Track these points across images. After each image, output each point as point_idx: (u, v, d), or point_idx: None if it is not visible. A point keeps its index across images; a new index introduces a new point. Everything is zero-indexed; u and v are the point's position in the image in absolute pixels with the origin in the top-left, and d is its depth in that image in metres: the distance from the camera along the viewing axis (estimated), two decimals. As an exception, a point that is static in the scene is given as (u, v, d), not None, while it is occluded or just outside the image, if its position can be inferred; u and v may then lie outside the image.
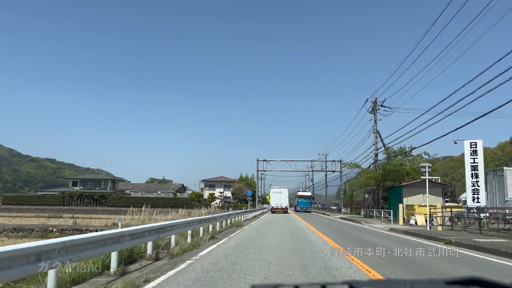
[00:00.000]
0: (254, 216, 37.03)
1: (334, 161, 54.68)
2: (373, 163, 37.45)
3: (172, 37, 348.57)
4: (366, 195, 38.88)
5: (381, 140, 37.12)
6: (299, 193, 61.93)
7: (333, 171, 54.75)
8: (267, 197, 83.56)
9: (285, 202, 49.88)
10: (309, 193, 61.65)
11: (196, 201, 70.19)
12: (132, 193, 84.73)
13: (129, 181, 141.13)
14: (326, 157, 56.87)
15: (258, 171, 55.82)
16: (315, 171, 57.11)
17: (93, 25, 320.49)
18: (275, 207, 49.34)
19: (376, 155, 36.68)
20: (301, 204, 57.81)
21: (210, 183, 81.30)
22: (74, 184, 78.08)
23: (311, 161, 55.92)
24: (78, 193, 72.28)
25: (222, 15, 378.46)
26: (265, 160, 55.22)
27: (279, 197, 49.87)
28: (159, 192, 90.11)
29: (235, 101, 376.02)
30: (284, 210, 48.74)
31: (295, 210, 61.15)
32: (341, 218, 37.34)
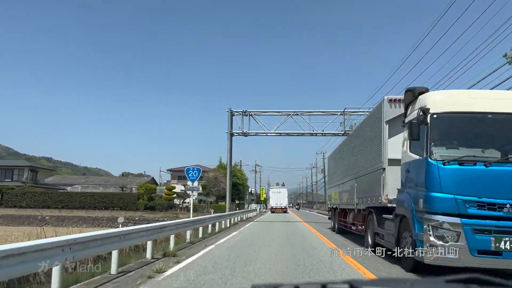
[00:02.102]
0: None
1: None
2: None
3: (172, 37, 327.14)
4: None
5: None
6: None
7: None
8: (261, 193, 60.23)
9: (284, 202, 50.52)
10: None
11: (145, 199, 42.51)
12: (69, 188, 58.09)
13: (94, 173, 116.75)
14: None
15: (233, 134, 26.70)
16: (349, 132, 25.46)
17: (93, 25, 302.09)
18: (274, 207, 50.15)
19: None
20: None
21: (180, 174, 53.49)
22: (-25, 173, 51.77)
23: (344, 113, 25.79)
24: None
25: (222, 15, 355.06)
26: (245, 113, 26.13)
27: (278, 197, 50.03)
28: (117, 186, 64.28)
29: (235, 101, 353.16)
30: (284, 210, 49.51)
31: (336, 232, 16.55)
32: None
